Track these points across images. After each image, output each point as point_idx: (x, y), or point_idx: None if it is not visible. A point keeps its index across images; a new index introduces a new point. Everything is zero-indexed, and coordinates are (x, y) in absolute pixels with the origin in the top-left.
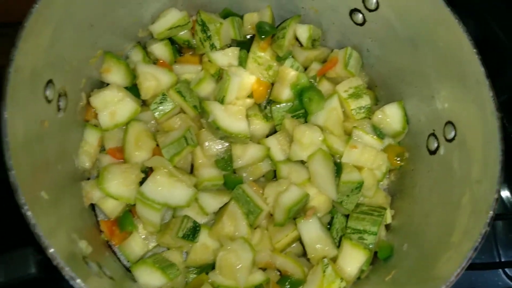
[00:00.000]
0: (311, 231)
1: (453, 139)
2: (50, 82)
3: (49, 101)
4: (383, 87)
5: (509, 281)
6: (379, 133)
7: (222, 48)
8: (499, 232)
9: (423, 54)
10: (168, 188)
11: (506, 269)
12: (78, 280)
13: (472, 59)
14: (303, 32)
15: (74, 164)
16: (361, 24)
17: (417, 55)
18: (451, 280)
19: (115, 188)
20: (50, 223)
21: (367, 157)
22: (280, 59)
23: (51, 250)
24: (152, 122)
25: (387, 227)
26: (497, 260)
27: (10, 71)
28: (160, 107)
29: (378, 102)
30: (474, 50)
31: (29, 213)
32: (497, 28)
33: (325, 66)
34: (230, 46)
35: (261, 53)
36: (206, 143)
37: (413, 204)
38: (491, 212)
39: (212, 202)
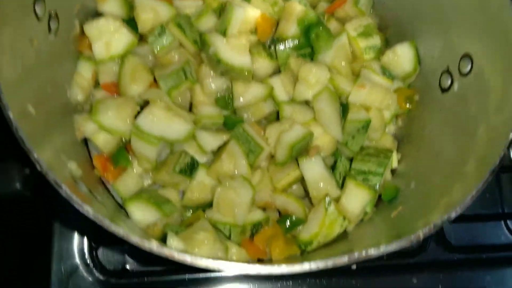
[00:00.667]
0: (314, 170)
1: (469, 72)
2: None
3: (38, 19)
4: (395, 26)
5: (510, 236)
6: (388, 75)
7: None
8: (504, 185)
9: None
10: (165, 122)
11: (509, 223)
12: (64, 187)
13: None
14: None
15: (67, 95)
16: None
17: None
18: (466, 203)
19: (109, 121)
20: (36, 138)
21: (375, 97)
22: None
23: (35, 154)
24: (150, 58)
25: (393, 172)
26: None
27: None
28: (158, 40)
29: (388, 45)
30: None
31: (11, 116)
32: None
33: (334, 4)
34: None
35: None
36: (206, 80)
37: (422, 147)
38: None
39: (211, 140)
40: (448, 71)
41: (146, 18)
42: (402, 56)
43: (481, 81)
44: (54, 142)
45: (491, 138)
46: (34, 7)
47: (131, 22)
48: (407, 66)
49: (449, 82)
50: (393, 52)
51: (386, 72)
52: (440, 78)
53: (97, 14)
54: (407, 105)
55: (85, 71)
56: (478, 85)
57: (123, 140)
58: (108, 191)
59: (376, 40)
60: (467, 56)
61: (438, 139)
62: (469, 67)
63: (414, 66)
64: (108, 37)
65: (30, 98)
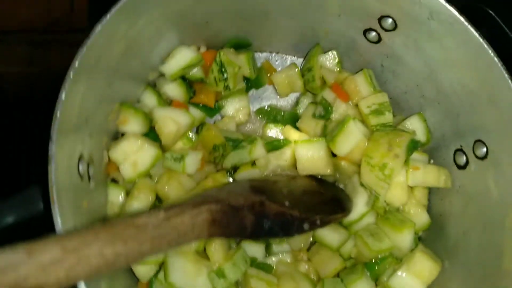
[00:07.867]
0: None
1: (484, 157)
2: (81, 157)
3: (82, 178)
4: (401, 102)
5: None
6: None
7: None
8: None
9: None
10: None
11: None
12: None
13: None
14: (331, 60)
15: None
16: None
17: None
18: None
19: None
20: None
21: (432, 175)
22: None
23: None
24: None
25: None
26: None
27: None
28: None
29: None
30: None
31: None
32: None
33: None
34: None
35: None
36: None
37: (445, 217)
38: None
39: None
40: (462, 150)
41: (169, 132)
42: (414, 129)
43: (500, 169)
44: None
45: None
46: (78, 169)
47: (151, 132)
48: (421, 137)
49: (464, 160)
50: (404, 127)
51: None
52: (454, 156)
53: (117, 134)
54: None
55: (115, 197)
56: (497, 173)
57: None
58: None
59: (388, 118)
60: (480, 142)
61: (462, 215)
62: (484, 151)
63: (427, 137)
64: (134, 157)
65: None
